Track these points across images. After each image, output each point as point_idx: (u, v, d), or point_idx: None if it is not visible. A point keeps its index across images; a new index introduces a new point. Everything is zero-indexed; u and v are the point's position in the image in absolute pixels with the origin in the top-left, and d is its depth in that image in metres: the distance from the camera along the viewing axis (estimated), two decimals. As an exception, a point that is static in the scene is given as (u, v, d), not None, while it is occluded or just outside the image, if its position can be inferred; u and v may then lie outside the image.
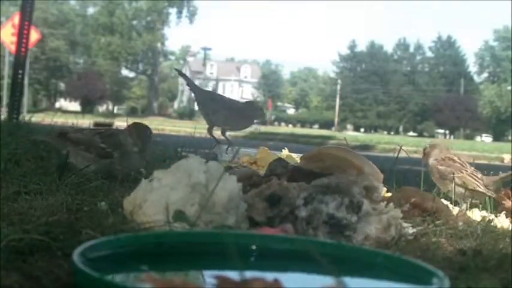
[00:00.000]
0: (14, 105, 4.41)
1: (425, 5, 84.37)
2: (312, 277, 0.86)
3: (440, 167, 2.01)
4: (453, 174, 1.95)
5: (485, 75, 51.70)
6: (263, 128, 21.31)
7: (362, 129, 48.45)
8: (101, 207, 1.32)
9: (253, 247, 0.92)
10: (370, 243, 1.18)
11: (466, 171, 1.98)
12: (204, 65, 51.16)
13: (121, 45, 43.60)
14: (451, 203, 1.82)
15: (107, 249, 0.83)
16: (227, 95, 2.71)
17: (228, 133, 2.53)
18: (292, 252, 0.91)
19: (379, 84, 48.93)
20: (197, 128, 3.78)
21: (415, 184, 1.94)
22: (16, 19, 8.67)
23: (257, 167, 2.10)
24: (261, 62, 65.30)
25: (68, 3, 44.81)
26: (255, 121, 2.66)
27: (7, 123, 3.89)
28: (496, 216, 1.67)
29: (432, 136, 44.29)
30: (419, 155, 2.20)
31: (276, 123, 48.36)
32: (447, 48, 51.06)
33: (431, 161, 2.07)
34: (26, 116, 4.29)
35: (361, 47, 52.49)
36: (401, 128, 49.86)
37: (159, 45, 45.77)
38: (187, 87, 2.54)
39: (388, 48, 53.31)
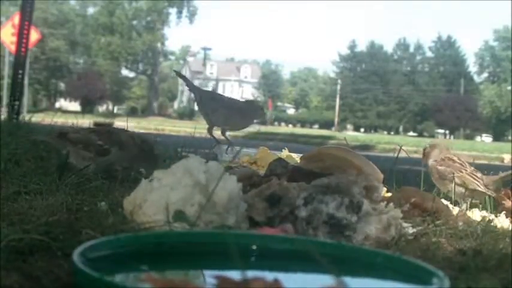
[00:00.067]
0: (14, 105, 4.42)
1: (425, 5, 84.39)
2: (312, 277, 0.86)
3: (439, 167, 2.01)
4: (453, 174, 1.95)
5: (485, 75, 51.71)
6: (263, 128, 21.31)
7: (362, 129, 48.44)
8: (101, 207, 1.32)
9: (254, 247, 0.92)
10: (370, 243, 1.18)
11: (466, 170, 1.98)
12: (204, 65, 51.16)
13: (121, 45, 43.59)
14: (451, 203, 1.82)
15: (107, 249, 0.83)
16: (227, 95, 2.70)
17: (228, 133, 2.53)
18: (292, 252, 0.91)
19: (379, 84, 48.92)
20: (197, 128, 3.78)
21: (415, 184, 1.94)
22: (16, 19, 8.67)
23: (257, 167, 2.10)
24: (261, 62, 65.35)
25: (68, 3, 44.81)
26: (255, 121, 2.66)
27: (7, 123, 3.89)
28: (496, 216, 1.67)
29: (432, 136, 44.28)
30: (419, 155, 2.19)
31: (276, 123, 48.36)
32: (447, 48, 51.06)
33: (430, 161, 2.06)
34: (26, 116, 4.29)
35: (361, 47, 52.55)
36: (401, 128, 49.85)
37: (159, 45, 45.76)
38: (187, 88, 2.54)
39: (388, 48, 53.35)
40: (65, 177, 1.59)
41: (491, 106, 46.90)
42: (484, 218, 1.60)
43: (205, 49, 49.97)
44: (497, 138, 44.59)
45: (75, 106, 41.53)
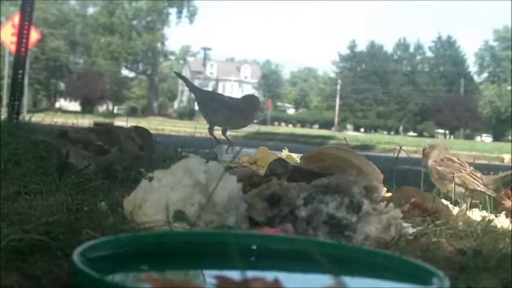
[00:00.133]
0: (14, 105, 4.41)
1: (425, 5, 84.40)
2: (312, 277, 0.86)
3: (439, 168, 2.01)
4: (452, 174, 1.95)
5: (485, 75, 51.71)
6: (263, 128, 21.31)
7: (362, 129, 48.44)
8: (101, 207, 1.32)
9: (253, 247, 0.92)
10: (370, 243, 1.18)
11: (465, 170, 1.98)
12: (204, 65, 51.16)
13: (121, 45, 43.59)
14: (451, 203, 1.82)
15: (107, 249, 0.83)
16: (227, 95, 2.70)
17: (228, 133, 2.53)
18: (292, 252, 0.91)
19: (379, 84, 48.93)
20: (197, 128, 3.78)
21: (415, 184, 1.94)
22: (16, 19, 8.67)
23: (257, 167, 2.10)
24: (261, 62, 65.35)
25: (68, 3, 44.81)
26: (255, 121, 2.66)
27: (7, 123, 3.89)
28: (496, 216, 1.67)
29: (432, 136, 44.32)
30: (419, 155, 2.19)
31: (276, 123, 48.37)
32: (447, 48, 51.06)
33: (430, 162, 2.06)
34: (26, 116, 4.29)
35: (361, 47, 52.54)
36: (401, 128, 49.85)
37: (159, 45, 45.76)
38: (187, 88, 2.55)
39: (388, 48, 53.37)
40: (65, 177, 1.59)
41: (491, 106, 46.91)
42: (484, 218, 1.60)
43: (205, 49, 49.98)
44: (497, 138, 44.59)
45: (75, 106, 41.53)
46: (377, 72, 49.41)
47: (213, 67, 57.28)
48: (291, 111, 58.65)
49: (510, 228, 1.53)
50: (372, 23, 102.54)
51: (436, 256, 1.14)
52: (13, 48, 5.26)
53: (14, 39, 5.11)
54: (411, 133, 48.32)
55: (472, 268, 1.05)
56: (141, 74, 48.46)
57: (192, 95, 2.52)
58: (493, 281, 0.98)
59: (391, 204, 1.28)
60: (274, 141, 13.24)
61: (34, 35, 12.52)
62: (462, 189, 1.94)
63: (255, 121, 2.67)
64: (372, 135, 29.04)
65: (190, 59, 57.79)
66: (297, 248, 0.91)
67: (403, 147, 2.08)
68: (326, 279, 0.74)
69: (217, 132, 2.54)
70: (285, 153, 2.28)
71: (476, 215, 1.69)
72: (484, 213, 1.73)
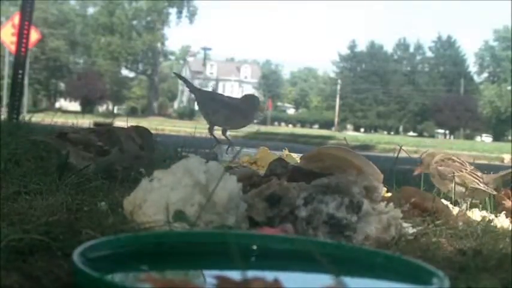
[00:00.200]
0: (14, 105, 4.42)
1: (425, 5, 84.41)
2: (312, 277, 0.86)
3: (440, 168, 2.01)
4: (453, 173, 1.95)
5: (485, 75, 51.72)
6: (263, 128, 21.31)
7: (362, 129, 48.45)
8: (101, 207, 1.32)
9: (254, 247, 0.92)
10: (370, 243, 1.18)
11: (466, 169, 1.98)
12: (204, 65, 51.16)
13: (121, 45, 43.60)
14: (451, 203, 1.82)
15: (107, 249, 0.83)
16: (227, 95, 2.70)
17: (228, 132, 2.53)
18: (292, 252, 0.91)
19: (379, 84, 48.93)
20: (197, 128, 3.78)
21: (415, 184, 1.94)
22: (16, 19, 8.67)
23: (257, 167, 2.10)
24: (261, 62, 65.36)
25: (68, 3, 44.82)
26: (255, 121, 2.66)
27: (7, 123, 3.89)
28: (496, 216, 1.67)
29: (432, 136, 44.32)
30: (419, 155, 2.19)
31: (276, 123, 48.38)
32: (447, 48, 51.07)
33: (431, 168, 2.04)
34: (26, 116, 4.29)
35: (361, 47, 52.57)
36: (401, 128, 49.86)
37: (159, 45, 45.77)
38: (187, 88, 2.55)
39: (388, 48, 53.38)
40: (65, 177, 1.59)
41: (491, 106, 46.91)
42: (484, 218, 1.60)
43: (205, 49, 49.98)
44: (497, 138, 44.60)
45: (75, 106, 41.54)
46: (377, 72, 49.42)
47: (213, 67, 57.28)
48: (291, 111, 58.66)
49: (510, 228, 1.53)
50: (372, 23, 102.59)
51: (436, 256, 1.14)
52: (13, 48, 5.27)
53: (14, 39, 5.11)
54: (411, 133, 48.33)
55: (472, 268, 1.05)
56: (141, 74, 48.46)
57: (192, 95, 2.53)
58: (493, 281, 0.98)
59: (391, 204, 1.28)
60: (274, 141, 13.24)
61: (34, 35, 12.52)
62: (462, 189, 1.94)
63: (255, 121, 2.67)
64: (372, 135, 29.05)
65: (190, 59, 57.80)
66: (297, 248, 0.91)
67: (403, 147, 2.08)
68: (326, 279, 0.74)
69: (217, 132, 2.54)
70: (285, 153, 2.28)
71: (476, 215, 1.69)
72: (484, 213, 1.73)
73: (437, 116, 44.32)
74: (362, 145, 15.04)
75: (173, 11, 45.17)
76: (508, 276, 1.01)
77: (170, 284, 0.70)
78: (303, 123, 51.08)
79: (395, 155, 2.03)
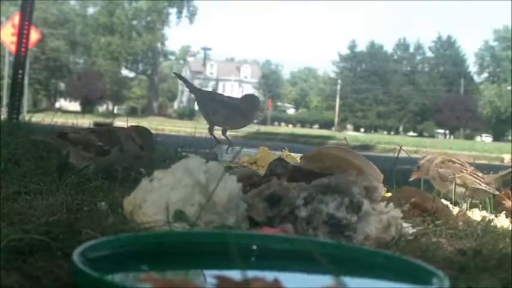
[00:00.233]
0: (14, 105, 4.42)
1: (425, 5, 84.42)
2: (312, 277, 0.86)
3: (440, 170, 2.01)
4: (454, 174, 1.95)
5: (485, 75, 51.73)
6: (263, 128, 21.31)
7: (362, 129, 48.45)
8: (101, 207, 1.32)
9: (254, 247, 0.92)
10: (370, 243, 1.18)
11: (466, 170, 1.98)
12: (204, 65, 51.16)
13: (121, 45, 43.60)
14: (451, 203, 1.82)
15: (107, 249, 0.83)
16: (227, 95, 2.70)
17: (228, 133, 2.53)
18: (292, 252, 0.91)
19: (379, 84, 48.93)
20: (197, 128, 3.78)
21: (415, 184, 1.94)
22: (16, 19, 8.67)
23: (257, 167, 2.10)
24: (261, 62, 65.37)
25: (68, 3, 44.83)
26: (255, 121, 2.66)
27: (7, 123, 3.89)
28: (496, 216, 1.67)
29: (432, 136, 44.31)
30: (419, 155, 2.19)
31: (276, 123, 48.38)
32: (447, 48, 51.07)
33: (431, 171, 2.03)
34: (26, 116, 4.29)
35: (361, 47, 52.58)
36: (401, 128, 49.86)
37: (159, 45, 45.78)
38: (187, 88, 2.55)
39: (388, 48, 53.39)
40: (65, 177, 1.59)
41: (491, 106, 46.91)
42: (484, 218, 1.60)
43: (205, 49, 49.98)
44: (497, 138, 44.60)
45: (75, 106, 41.54)
46: (377, 72, 49.41)
47: (213, 67, 57.28)
48: (291, 111, 58.66)
49: (510, 228, 1.53)
50: (372, 23, 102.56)
51: (436, 256, 1.14)
52: (13, 48, 5.27)
53: (14, 39, 5.11)
54: (411, 133, 48.33)
55: (472, 268, 1.05)
56: (141, 74, 48.46)
57: (192, 95, 2.53)
58: (493, 281, 0.98)
59: (391, 204, 1.28)
60: (274, 141, 13.24)
61: (34, 35, 12.52)
62: (462, 189, 1.94)
63: (255, 121, 2.67)
64: (372, 135, 29.05)
65: (190, 59, 57.80)
66: (297, 248, 0.91)
67: (403, 147, 2.07)
68: (326, 279, 0.74)
69: (217, 132, 2.54)
70: (285, 153, 2.28)
71: (476, 215, 1.69)
72: (484, 213, 1.73)
73: (437, 116, 44.32)
74: (362, 145, 15.04)
75: (173, 11, 45.23)
76: (508, 276, 1.01)
77: (170, 284, 0.70)
78: (303, 123, 51.08)
79: (395, 155, 2.02)
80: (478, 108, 45.57)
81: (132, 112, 44.58)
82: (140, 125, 2.01)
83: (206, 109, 2.48)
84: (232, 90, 54.58)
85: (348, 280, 0.74)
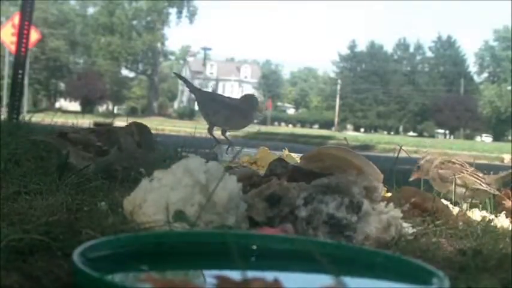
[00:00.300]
0: (14, 105, 4.42)
1: (425, 5, 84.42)
2: (312, 277, 0.86)
3: (440, 171, 2.00)
4: (454, 175, 1.95)
5: (485, 75, 51.73)
6: (263, 128, 21.30)
7: (362, 129, 48.45)
8: (101, 207, 1.32)
9: (254, 247, 0.92)
10: (370, 243, 1.18)
11: (467, 171, 1.98)
12: (204, 65, 51.16)
13: (121, 45, 43.60)
14: (451, 203, 1.82)
15: (107, 249, 0.83)
16: (227, 95, 2.70)
17: (227, 133, 2.53)
18: (292, 252, 0.91)
19: (379, 84, 48.93)
20: (197, 128, 3.78)
21: (415, 184, 1.94)
22: (16, 19, 8.67)
23: (257, 167, 2.10)
24: (261, 62, 65.37)
25: (68, 3, 44.83)
26: (255, 121, 2.66)
27: (7, 123, 3.89)
28: (496, 216, 1.67)
29: (432, 136, 44.31)
30: (419, 155, 2.19)
31: (276, 123, 48.38)
32: (447, 48, 51.07)
33: (431, 172, 2.03)
34: (26, 116, 4.28)
35: (361, 47, 52.57)
36: (401, 128, 49.85)
37: (159, 45, 45.77)
38: (187, 88, 2.55)
39: (388, 48, 53.39)
40: (65, 177, 1.59)
41: (491, 106, 46.91)
42: (484, 218, 1.60)
43: (205, 49, 49.98)
44: (497, 138, 44.60)
45: (75, 106, 41.53)
46: (377, 72, 49.41)
47: (213, 67, 57.28)
48: (291, 111, 58.65)
49: (510, 228, 1.53)
50: (372, 23, 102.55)
51: (436, 256, 1.14)
52: (13, 48, 5.27)
53: (14, 39, 5.11)
54: (411, 133, 48.32)
55: (472, 268, 1.05)
56: (141, 74, 48.46)
57: (192, 95, 2.53)
58: (493, 281, 0.98)
59: (391, 204, 1.28)
60: (274, 141, 13.24)
61: (34, 35, 12.53)
62: (463, 190, 1.94)
63: (255, 121, 2.67)
64: (372, 135, 29.04)
65: (190, 59, 57.80)
66: (297, 248, 0.91)
67: (403, 147, 2.07)
68: (326, 279, 0.74)
69: (217, 132, 2.55)
70: (285, 153, 2.28)
71: (476, 215, 1.69)
72: (484, 213, 1.73)
73: (437, 116, 44.31)
74: (362, 145, 15.03)
75: (173, 11, 45.23)
76: (508, 276, 1.01)
77: (170, 284, 0.70)
78: (303, 123, 51.08)
79: (396, 155, 2.02)
80: (478, 108, 45.56)
81: (132, 112, 44.56)
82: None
83: (206, 110, 2.48)
84: (232, 90, 54.57)
85: (348, 280, 0.74)
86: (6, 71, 14.74)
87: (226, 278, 0.69)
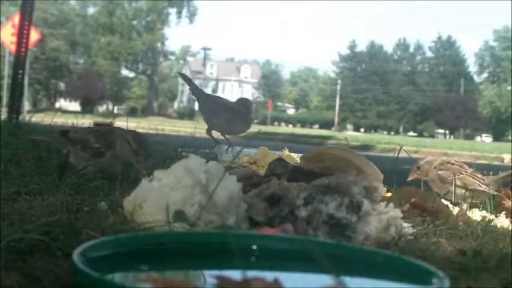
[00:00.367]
0: (14, 105, 4.42)
1: (425, 5, 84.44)
2: (312, 277, 0.86)
3: (439, 172, 2.00)
4: (454, 176, 1.95)
5: (485, 75, 51.72)
6: (263, 128, 21.28)
7: (362, 129, 48.45)
8: (101, 207, 1.32)
9: (254, 247, 0.92)
10: (370, 243, 1.18)
11: (466, 172, 1.98)
12: (204, 65, 51.16)
13: (121, 45, 43.59)
14: (451, 203, 1.82)
15: (107, 249, 0.83)
16: (227, 95, 2.71)
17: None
18: (292, 252, 0.91)
19: (379, 84, 48.93)
20: (197, 128, 3.77)
21: (415, 184, 1.94)
22: (16, 19, 8.67)
23: (257, 167, 2.10)
24: (261, 62, 65.38)
25: (68, 3, 44.82)
26: (255, 121, 2.67)
27: (7, 123, 3.89)
28: (496, 216, 1.67)
29: (432, 136, 44.30)
30: (419, 155, 2.19)
31: (276, 123, 48.39)
32: (447, 48, 51.07)
33: (430, 174, 2.03)
34: (26, 116, 4.29)
35: (361, 47, 52.60)
36: (401, 128, 49.85)
37: (159, 45, 45.76)
38: (187, 87, 2.55)
39: (388, 48, 53.42)
40: (65, 177, 1.59)
41: (491, 106, 46.91)
42: (484, 218, 1.60)
43: (205, 49, 49.97)
44: (497, 138, 44.59)
45: (75, 106, 41.53)
46: (377, 72, 49.41)
47: (213, 67, 57.27)
48: (291, 111, 58.65)
49: (510, 228, 1.53)
50: (372, 23, 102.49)
51: (436, 256, 1.14)
52: (13, 48, 5.27)
53: (14, 39, 5.12)
54: (411, 133, 48.32)
55: (472, 268, 1.05)
56: (141, 74, 48.45)
57: (193, 96, 2.53)
58: (493, 281, 0.98)
59: (391, 204, 1.28)
60: (274, 141, 13.23)
61: (34, 35, 12.53)
62: (462, 191, 1.94)
63: (255, 121, 2.68)
64: (372, 135, 29.04)
65: (190, 59, 57.79)
66: (297, 248, 0.91)
67: (403, 147, 2.08)
68: (326, 279, 0.74)
69: (217, 132, 2.55)
70: (285, 153, 2.28)
71: (476, 215, 1.69)
72: (484, 213, 1.73)
73: (437, 116, 44.31)
74: (362, 145, 15.01)
75: (173, 11, 45.23)
76: (508, 276, 1.01)
77: (170, 284, 0.70)
78: (303, 123, 51.08)
79: (396, 155, 2.02)
80: (478, 108, 45.56)
81: (132, 112, 44.55)
82: (140, 125, 2.01)
83: (208, 114, 2.48)
84: (232, 90, 54.58)
85: (348, 280, 0.74)
86: (6, 71, 14.74)
87: (226, 278, 0.69)
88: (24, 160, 1.92)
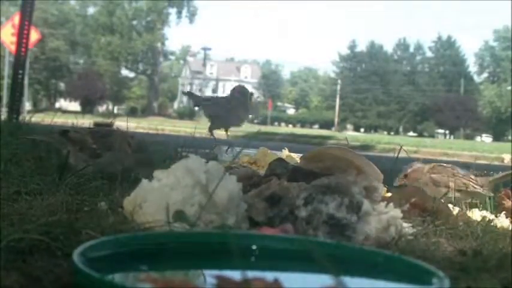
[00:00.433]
0: (14, 105, 4.42)
1: (425, 5, 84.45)
2: (312, 277, 0.86)
3: (433, 175, 1.98)
4: (447, 177, 1.94)
5: (485, 75, 51.69)
6: (263, 128, 21.29)
7: (362, 129, 48.44)
8: (101, 207, 1.32)
9: (254, 247, 0.92)
10: (370, 243, 1.18)
11: (459, 174, 1.97)
12: (204, 65, 51.15)
13: (121, 45, 43.57)
14: (451, 203, 1.82)
15: (107, 249, 0.83)
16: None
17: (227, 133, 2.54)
18: (292, 252, 0.91)
19: (379, 84, 48.92)
20: (197, 128, 3.77)
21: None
22: (16, 19, 8.68)
23: (257, 167, 2.10)
24: (261, 62, 65.34)
25: (68, 3, 44.80)
26: (255, 121, 2.68)
27: (7, 123, 3.89)
28: (496, 216, 1.67)
29: (432, 136, 44.29)
30: (419, 155, 2.19)
31: (276, 123, 48.38)
32: (447, 48, 51.04)
33: (423, 178, 2.00)
34: (26, 116, 4.29)
35: (361, 47, 52.51)
36: (401, 128, 49.84)
37: (159, 45, 45.74)
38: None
39: (388, 48, 53.36)
40: (65, 177, 1.59)
41: (491, 106, 46.89)
42: (484, 218, 1.60)
43: (205, 49, 49.98)
44: (497, 138, 44.58)
45: (75, 106, 41.52)
46: (377, 72, 49.40)
47: (213, 67, 57.26)
48: (291, 111, 58.64)
49: (510, 228, 1.53)
50: (372, 23, 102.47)
51: (436, 256, 1.14)
52: (13, 48, 5.27)
53: (14, 39, 5.12)
54: (411, 133, 48.30)
55: (472, 268, 1.05)
56: (141, 74, 48.42)
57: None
58: (493, 281, 0.98)
59: (391, 204, 1.28)
60: (274, 141, 13.24)
61: (34, 35, 12.53)
62: (458, 194, 1.93)
63: (255, 121, 2.69)
64: (372, 135, 29.05)
65: (190, 59, 57.78)
66: (297, 248, 0.91)
67: (403, 147, 2.07)
68: (326, 279, 0.74)
69: (217, 132, 2.55)
70: (285, 153, 2.28)
71: (476, 215, 1.69)
72: (484, 213, 1.74)
73: (437, 116, 44.29)
74: (362, 145, 15.01)
75: (173, 11, 45.18)
76: (508, 276, 1.01)
77: (170, 284, 0.70)
78: (303, 123, 51.06)
79: (395, 155, 2.02)
80: (478, 108, 45.53)
81: (132, 112, 44.52)
82: (140, 125, 2.01)
83: (209, 110, 2.51)
84: (232, 90, 54.44)
85: (348, 280, 0.74)
86: (6, 71, 14.75)
87: (226, 278, 0.69)
88: (24, 160, 1.92)
